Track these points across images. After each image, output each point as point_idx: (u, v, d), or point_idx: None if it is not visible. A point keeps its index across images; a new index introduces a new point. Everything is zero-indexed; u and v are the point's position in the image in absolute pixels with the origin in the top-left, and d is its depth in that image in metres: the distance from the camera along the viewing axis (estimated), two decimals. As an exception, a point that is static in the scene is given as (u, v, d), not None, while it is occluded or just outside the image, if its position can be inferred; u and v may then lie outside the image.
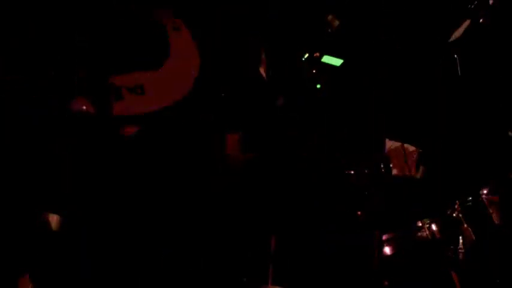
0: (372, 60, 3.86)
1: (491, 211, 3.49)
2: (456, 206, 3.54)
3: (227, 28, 3.71)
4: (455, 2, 3.69)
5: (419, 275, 3.51)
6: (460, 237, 3.48)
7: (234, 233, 3.59)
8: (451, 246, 3.48)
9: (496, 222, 3.47)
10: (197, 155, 3.64)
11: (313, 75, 3.85)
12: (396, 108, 3.88)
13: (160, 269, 3.46)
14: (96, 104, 3.41)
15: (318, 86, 3.85)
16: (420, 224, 3.56)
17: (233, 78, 3.78)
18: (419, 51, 3.78)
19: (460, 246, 3.46)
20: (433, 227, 3.54)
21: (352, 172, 3.76)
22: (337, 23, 3.78)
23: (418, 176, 3.74)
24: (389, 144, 3.81)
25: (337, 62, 3.82)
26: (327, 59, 3.82)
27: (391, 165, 3.72)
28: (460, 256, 3.45)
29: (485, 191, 3.50)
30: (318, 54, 3.81)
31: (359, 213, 3.69)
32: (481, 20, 3.62)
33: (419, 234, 3.55)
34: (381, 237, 3.60)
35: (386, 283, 3.51)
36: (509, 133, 3.64)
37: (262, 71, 3.73)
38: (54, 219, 3.32)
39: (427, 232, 3.53)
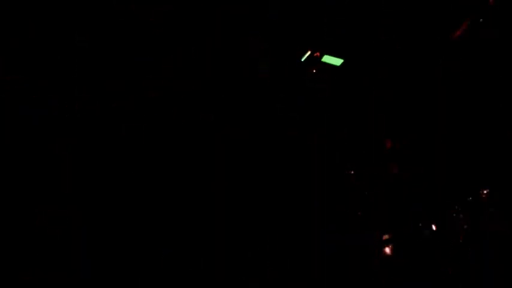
0: (372, 60, 3.85)
1: (491, 211, 3.49)
2: (456, 206, 3.54)
3: (227, 28, 3.71)
4: (455, 2, 3.69)
5: (419, 275, 3.51)
6: (460, 237, 3.48)
7: (234, 233, 3.59)
8: (451, 246, 3.48)
9: (496, 222, 3.47)
10: (197, 155, 3.64)
11: (313, 75, 3.86)
12: (396, 108, 3.88)
13: (160, 269, 3.46)
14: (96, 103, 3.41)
15: (318, 86, 3.85)
16: (420, 224, 3.56)
17: (233, 77, 3.78)
18: (419, 51, 3.77)
19: (460, 246, 3.46)
20: (433, 227, 3.54)
21: (352, 172, 3.76)
22: (339, 23, 3.78)
23: (418, 176, 3.74)
24: (390, 144, 3.81)
25: (337, 62, 3.82)
26: (327, 59, 3.82)
27: (391, 165, 3.72)
28: (460, 256, 3.45)
29: (485, 191, 3.51)
30: (318, 54, 3.81)
31: (359, 213, 3.69)
32: (480, 20, 3.62)
33: (419, 234, 3.55)
34: (381, 237, 3.60)
35: (386, 283, 3.51)
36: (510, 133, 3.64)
37: (263, 70, 3.73)
38: (53, 218, 3.33)
39: (427, 232, 3.54)
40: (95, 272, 3.36)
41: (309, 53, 3.83)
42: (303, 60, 3.83)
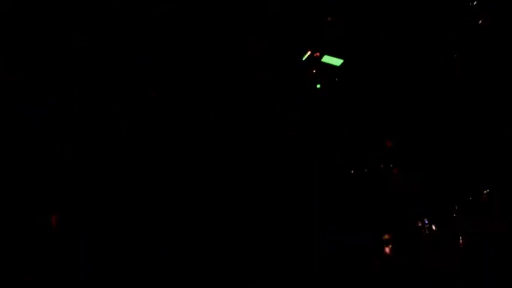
0: (372, 60, 3.85)
1: (491, 211, 3.49)
2: (456, 206, 3.54)
3: (227, 28, 3.71)
4: (455, 2, 3.69)
5: (419, 275, 3.51)
6: (460, 237, 3.48)
7: (234, 232, 3.59)
8: (451, 246, 3.48)
9: (496, 222, 3.47)
10: (197, 155, 3.64)
11: (313, 75, 3.85)
12: (396, 108, 3.88)
13: (161, 269, 3.46)
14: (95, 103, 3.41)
15: (318, 86, 3.85)
16: (420, 224, 3.56)
17: (233, 78, 3.78)
18: (419, 51, 3.77)
19: (460, 246, 3.46)
20: (433, 227, 3.54)
21: (352, 172, 3.76)
22: (337, 22, 3.78)
23: (418, 176, 3.74)
24: (390, 144, 3.81)
25: (337, 62, 3.82)
26: (327, 59, 3.82)
27: (391, 165, 3.72)
28: (460, 256, 3.45)
29: (485, 191, 3.51)
30: (318, 54, 3.81)
31: (359, 213, 3.69)
32: (480, 21, 3.62)
33: (419, 234, 3.55)
34: (381, 237, 3.60)
35: (386, 283, 3.51)
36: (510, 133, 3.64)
37: (264, 70, 3.73)
38: (54, 219, 3.33)
39: (427, 232, 3.53)
40: (94, 272, 3.36)
41: (309, 53, 3.83)
42: (303, 60, 3.83)
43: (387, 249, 3.57)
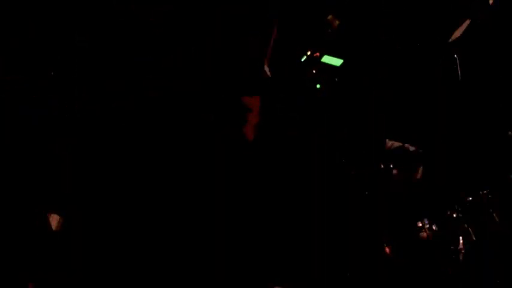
0: (372, 60, 3.85)
1: (491, 211, 3.49)
2: (456, 206, 3.54)
3: (227, 28, 3.71)
4: (455, 2, 3.69)
5: (419, 275, 3.51)
6: (460, 237, 3.48)
7: (234, 232, 3.59)
8: (451, 246, 3.48)
9: (496, 222, 3.47)
10: (197, 155, 3.64)
11: (313, 75, 3.85)
12: (396, 108, 3.88)
13: (160, 269, 3.46)
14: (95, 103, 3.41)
15: (318, 86, 3.85)
16: (420, 224, 3.56)
17: (233, 78, 3.78)
18: (419, 51, 3.77)
19: (460, 246, 3.46)
20: (433, 227, 3.54)
21: (352, 172, 3.76)
22: (337, 22, 3.78)
23: (418, 176, 3.74)
24: (390, 144, 3.81)
25: (337, 62, 3.82)
26: (327, 59, 3.82)
27: (391, 165, 3.72)
28: (460, 256, 3.45)
29: (485, 191, 3.50)
30: (318, 54, 3.81)
31: (359, 213, 3.68)
32: (480, 21, 3.62)
33: (419, 234, 3.55)
34: (381, 237, 3.60)
35: (386, 283, 3.51)
36: (510, 133, 3.64)
37: (266, 69, 3.73)
38: (54, 219, 3.32)
39: (427, 232, 3.53)
40: (94, 272, 3.36)
41: (309, 53, 3.83)
42: (302, 60, 3.83)
43: (387, 249, 3.57)
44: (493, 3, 3.58)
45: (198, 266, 3.51)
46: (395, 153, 3.77)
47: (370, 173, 3.77)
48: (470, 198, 3.53)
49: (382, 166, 3.75)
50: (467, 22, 3.60)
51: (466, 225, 3.49)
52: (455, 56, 3.63)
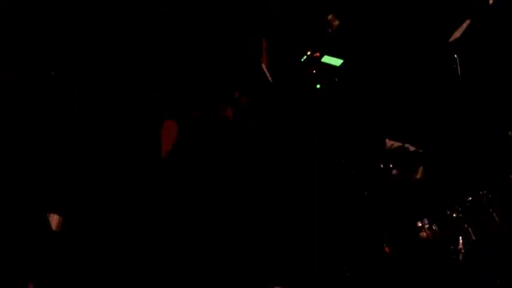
0: (372, 60, 3.85)
1: (491, 211, 3.49)
2: (456, 206, 3.54)
3: (227, 28, 3.71)
4: (455, 2, 3.69)
5: (419, 274, 3.51)
6: (460, 237, 3.48)
7: (234, 232, 3.59)
8: (451, 246, 3.48)
9: (496, 222, 3.47)
10: (197, 155, 3.64)
11: (313, 75, 3.85)
12: (396, 108, 3.88)
13: (160, 269, 3.46)
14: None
15: (318, 86, 3.85)
16: (420, 224, 3.56)
17: (233, 78, 3.78)
18: (419, 51, 3.77)
19: (460, 246, 3.46)
20: (433, 227, 3.54)
21: (352, 172, 3.76)
22: (337, 22, 3.78)
23: (418, 176, 3.74)
24: (389, 144, 3.81)
25: (337, 62, 3.82)
26: (327, 59, 3.82)
27: (391, 165, 3.72)
28: (460, 256, 3.45)
29: (485, 191, 3.50)
30: (318, 54, 3.81)
31: (359, 213, 3.68)
32: (480, 21, 3.62)
33: (419, 234, 3.55)
34: (381, 237, 3.60)
35: (386, 283, 3.51)
36: (510, 133, 3.64)
37: (264, 68, 3.73)
38: (54, 219, 3.32)
39: (427, 232, 3.53)
40: (94, 271, 3.36)
41: (309, 53, 3.83)
42: (302, 60, 3.83)
43: (387, 249, 3.57)
44: (493, 3, 3.58)
45: (198, 266, 3.51)
46: (395, 153, 3.78)
47: (370, 173, 3.76)
48: (470, 198, 3.53)
49: (382, 166, 3.75)
50: (467, 22, 3.60)
51: (466, 225, 3.49)
52: (455, 56, 3.63)
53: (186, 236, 3.54)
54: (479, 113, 3.74)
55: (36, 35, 3.44)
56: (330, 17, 3.82)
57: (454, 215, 3.51)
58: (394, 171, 3.75)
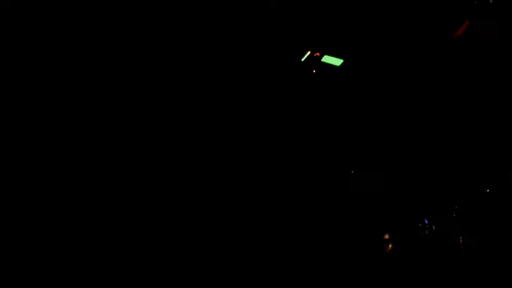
0: (372, 60, 3.86)
1: (491, 211, 3.50)
2: (456, 206, 3.55)
3: (227, 28, 3.72)
4: (455, 2, 3.69)
5: (419, 274, 3.52)
6: (460, 237, 3.49)
7: (234, 232, 3.59)
8: (451, 246, 3.49)
9: (496, 222, 3.48)
10: (197, 155, 3.65)
11: (313, 75, 3.86)
12: (396, 108, 3.89)
13: (160, 269, 3.46)
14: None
15: (318, 85, 3.86)
16: (420, 224, 3.57)
17: (233, 78, 3.78)
18: (419, 51, 3.78)
19: (460, 246, 3.47)
20: (433, 227, 3.55)
21: (353, 172, 3.77)
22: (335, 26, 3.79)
23: (419, 176, 3.75)
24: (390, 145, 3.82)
25: (337, 62, 3.83)
26: (327, 59, 3.83)
27: (391, 165, 3.73)
28: (460, 256, 3.45)
29: (485, 191, 3.51)
30: (318, 54, 3.81)
31: (360, 212, 3.69)
32: (480, 21, 3.63)
33: (419, 234, 3.56)
34: (382, 237, 3.61)
35: (386, 282, 3.52)
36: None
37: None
38: (53, 219, 3.32)
39: (427, 232, 3.54)
40: (94, 271, 3.36)
41: (309, 53, 3.83)
42: (303, 60, 3.84)
43: (387, 249, 3.58)
44: (493, 3, 3.59)
45: (198, 266, 3.51)
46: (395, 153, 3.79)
47: (369, 173, 3.77)
48: (470, 198, 3.54)
49: (381, 166, 3.76)
50: (468, 22, 3.60)
51: (466, 225, 3.50)
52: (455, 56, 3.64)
53: (186, 236, 3.54)
54: (479, 113, 3.75)
55: (36, 35, 3.44)
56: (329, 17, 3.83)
57: (454, 214, 3.52)
58: (395, 172, 3.76)
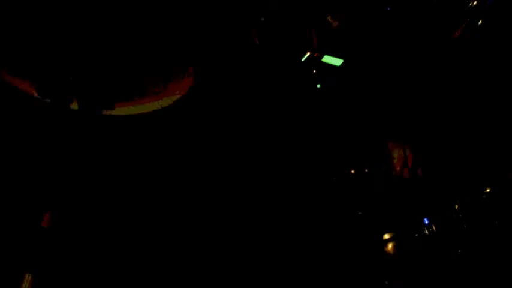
0: (372, 60, 3.86)
1: (491, 211, 3.50)
2: (456, 206, 3.55)
3: (227, 28, 3.72)
4: (455, 2, 3.69)
5: (419, 274, 3.51)
6: (460, 237, 3.48)
7: (234, 233, 3.59)
8: (451, 246, 3.49)
9: (496, 222, 3.48)
10: (197, 155, 3.65)
11: (313, 75, 3.86)
12: (396, 108, 3.89)
13: (160, 269, 3.46)
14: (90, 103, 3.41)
15: (318, 86, 3.86)
16: (420, 224, 3.57)
17: (233, 77, 3.79)
18: (420, 51, 3.78)
19: (460, 246, 3.47)
20: (433, 227, 3.55)
21: (352, 172, 3.77)
22: (336, 23, 3.79)
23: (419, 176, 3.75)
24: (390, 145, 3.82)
25: (337, 62, 3.83)
26: (327, 59, 3.83)
27: (391, 165, 3.73)
28: (460, 256, 3.46)
29: (485, 191, 3.51)
30: (318, 54, 3.82)
31: (359, 213, 3.69)
32: (480, 21, 3.63)
33: (419, 234, 3.56)
34: (381, 237, 3.60)
35: (386, 283, 3.51)
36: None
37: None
38: (52, 218, 3.32)
39: (427, 232, 3.54)
40: (94, 271, 3.36)
41: (309, 53, 3.83)
42: (303, 60, 3.84)
43: (387, 249, 3.58)
44: (492, 3, 3.59)
45: (198, 266, 3.51)
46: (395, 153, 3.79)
47: (370, 173, 3.77)
48: (470, 199, 3.54)
49: (381, 166, 3.76)
50: (467, 22, 3.61)
51: (466, 225, 3.50)
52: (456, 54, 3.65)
53: (185, 236, 3.54)
54: (479, 113, 3.75)
55: (36, 35, 3.44)
56: (329, 17, 3.83)
57: (454, 214, 3.52)
58: (393, 171, 3.76)
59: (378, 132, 3.88)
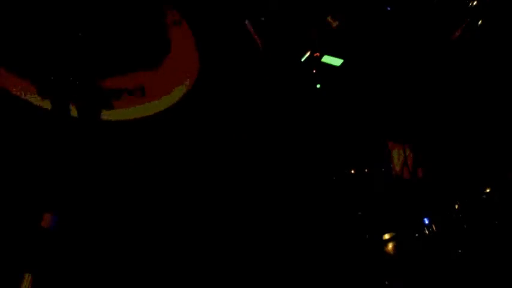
0: (372, 60, 3.86)
1: (491, 211, 3.50)
2: (456, 206, 3.54)
3: (227, 27, 3.72)
4: (455, 2, 3.69)
5: (419, 274, 3.51)
6: (460, 237, 3.48)
7: (234, 233, 3.59)
8: (451, 247, 3.49)
9: (496, 222, 3.48)
10: (197, 155, 3.65)
11: (313, 75, 3.86)
12: (396, 107, 3.89)
13: (160, 269, 3.46)
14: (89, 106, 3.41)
15: (318, 86, 3.86)
16: (420, 224, 3.57)
17: (233, 77, 3.78)
18: (420, 50, 3.78)
19: (460, 246, 3.47)
20: (433, 227, 3.54)
21: (352, 172, 3.77)
22: (336, 23, 3.79)
23: (418, 176, 3.75)
24: (390, 145, 3.82)
25: (337, 62, 3.83)
26: (327, 59, 3.83)
27: (391, 165, 3.73)
28: (460, 256, 3.45)
29: (485, 191, 3.51)
30: (318, 54, 3.82)
31: (359, 213, 3.69)
32: (480, 21, 3.63)
33: (419, 234, 3.55)
34: (381, 237, 3.60)
35: (386, 283, 3.51)
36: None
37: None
38: (50, 218, 3.32)
39: (427, 232, 3.54)
40: (94, 271, 3.36)
41: (309, 53, 3.83)
42: (303, 60, 3.84)
43: (387, 249, 3.58)
44: (492, 3, 3.59)
45: (198, 266, 3.51)
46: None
47: (370, 173, 3.77)
48: (470, 199, 3.54)
49: (381, 166, 3.76)
50: (467, 22, 3.61)
51: (466, 225, 3.49)
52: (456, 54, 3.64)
53: (186, 236, 3.54)
54: (479, 113, 3.75)
55: (36, 35, 3.44)
56: (329, 17, 3.83)
57: (454, 214, 3.52)
58: (393, 172, 3.76)
59: (378, 132, 3.88)
